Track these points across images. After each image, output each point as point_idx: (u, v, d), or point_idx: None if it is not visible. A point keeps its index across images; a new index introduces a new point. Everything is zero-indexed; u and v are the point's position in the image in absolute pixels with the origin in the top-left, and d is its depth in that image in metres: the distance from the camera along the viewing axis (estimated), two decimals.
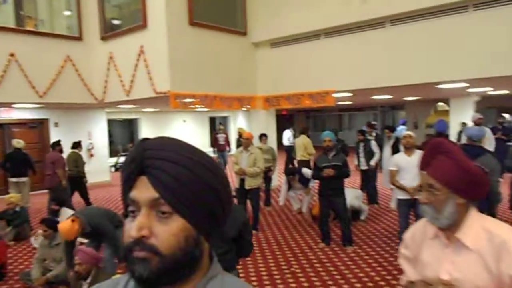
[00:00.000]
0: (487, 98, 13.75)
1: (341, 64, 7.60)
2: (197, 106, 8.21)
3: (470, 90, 9.47)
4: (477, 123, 7.65)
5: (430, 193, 1.53)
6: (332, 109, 21.18)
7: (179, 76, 7.44)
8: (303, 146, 8.92)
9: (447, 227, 1.54)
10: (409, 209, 4.89)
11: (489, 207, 4.18)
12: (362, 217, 7.05)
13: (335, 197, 5.53)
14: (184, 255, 0.70)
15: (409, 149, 4.92)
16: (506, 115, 8.51)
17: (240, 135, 10.41)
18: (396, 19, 6.72)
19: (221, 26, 8.32)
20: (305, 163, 8.70)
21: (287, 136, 13.65)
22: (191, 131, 18.90)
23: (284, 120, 20.25)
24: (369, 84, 7.37)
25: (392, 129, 8.36)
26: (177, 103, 7.48)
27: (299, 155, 9.02)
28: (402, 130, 11.19)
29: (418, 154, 4.83)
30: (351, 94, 9.44)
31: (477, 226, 1.51)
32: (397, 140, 7.64)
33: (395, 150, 7.30)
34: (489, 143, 7.34)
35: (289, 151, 12.27)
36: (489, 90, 10.45)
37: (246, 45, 8.93)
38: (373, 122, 10.27)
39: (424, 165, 1.60)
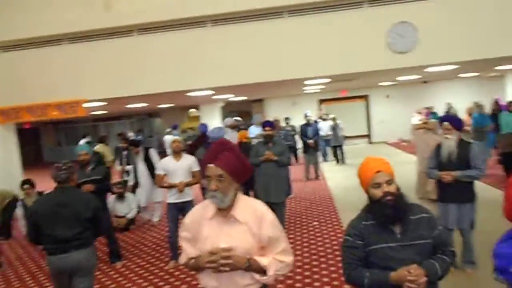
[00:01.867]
0: (230, 104, 15.66)
1: (92, 72, 7.15)
2: None
3: (215, 97, 10.54)
4: (232, 126, 8.51)
5: (218, 181, 1.90)
6: (85, 120, 19.84)
7: None
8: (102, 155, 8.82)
9: (226, 207, 1.94)
10: (178, 213, 5.01)
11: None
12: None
13: None
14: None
15: (177, 153, 5.06)
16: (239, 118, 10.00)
17: None
18: (144, 29, 6.79)
19: None
20: None
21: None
22: None
23: (30, 135, 17.67)
24: (121, 93, 7.20)
25: (137, 143, 7.76)
26: None
27: None
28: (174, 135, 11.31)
29: (186, 158, 5.07)
30: (105, 103, 9.04)
31: (245, 204, 1.99)
32: (147, 151, 7.54)
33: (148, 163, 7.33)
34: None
35: None
36: (231, 97, 11.92)
37: None
38: (130, 134, 10.08)
39: (212, 159, 1.93)
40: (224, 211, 1.95)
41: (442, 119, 4.43)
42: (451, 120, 4.27)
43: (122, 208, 7.12)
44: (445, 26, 5.56)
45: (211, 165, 1.92)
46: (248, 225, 1.93)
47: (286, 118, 12.76)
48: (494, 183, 7.92)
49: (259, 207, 2.02)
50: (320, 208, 7.47)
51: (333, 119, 12.74)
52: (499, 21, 5.50)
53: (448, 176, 4.01)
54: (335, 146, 12.78)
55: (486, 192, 7.28)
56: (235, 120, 8.82)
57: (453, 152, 4.04)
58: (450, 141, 4.10)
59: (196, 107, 14.48)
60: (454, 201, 4.04)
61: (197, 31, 6.45)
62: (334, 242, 5.54)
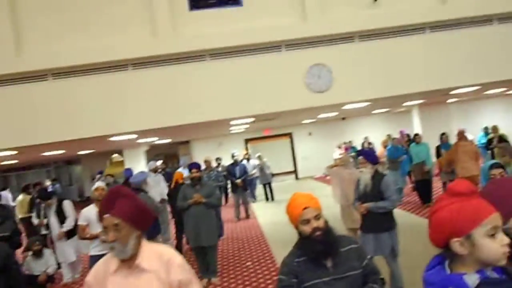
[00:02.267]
0: (155, 147, 15.27)
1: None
2: None
3: (139, 140, 10.25)
4: (155, 170, 8.27)
5: (116, 231, 1.81)
6: None
7: None
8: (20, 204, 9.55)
9: (130, 258, 1.84)
10: None
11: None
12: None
13: None
14: None
15: (99, 201, 4.78)
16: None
17: None
18: (60, 73, 6.47)
19: None
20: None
21: (7, 196, 13.16)
22: None
23: None
24: (34, 141, 6.69)
25: (48, 195, 7.07)
26: None
27: (22, 212, 9.30)
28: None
29: None
30: (15, 152, 8.33)
31: (150, 251, 1.90)
32: (60, 203, 6.92)
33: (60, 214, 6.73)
34: (158, 185, 8.07)
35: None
36: (156, 140, 11.67)
37: None
38: (47, 183, 9.44)
39: (107, 209, 1.84)
40: (128, 262, 1.85)
41: (358, 154, 4.72)
42: (365, 154, 4.57)
43: (39, 265, 6.44)
44: (357, 67, 6.02)
45: (106, 215, 1.84)
46: (156, 273, 1.85)
47: (217, 159, 12.76)
48: (412, 209, 8.49)
49: (166, 251, 1.96)
50: (253, 247, 7.40)
51: (259, 157, 12.97)
52: (404, 62, 6.09)
53: (361, 208, 4.24)
54: (264, 184, 12.94)
55: (405, 218, 7.77)
56: (156, 166, 8.56)
57: (368, 185, 4.30)
58: (365, 174, 4.36)
59: (120, 151, 13.93)
60: (371, 231, 4.24)
61: (118, 74, 6.31)
62: (269, 282, 5.48)
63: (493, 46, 6.10)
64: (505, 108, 16.75)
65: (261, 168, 12.72)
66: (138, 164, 12.46)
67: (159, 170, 9.02)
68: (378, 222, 4.18)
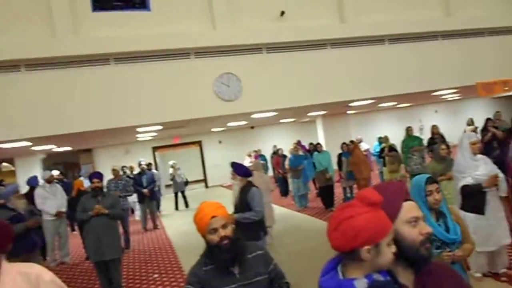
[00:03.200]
0: (52, 155, 14.08)
1: None
2: None
3: (34, 148, 9.36)
4: (49, 180, 7.60)
5: None
6: None
7: None
8: None
9: None
10: None
11: None
12: None
13: None
14: None
15: None
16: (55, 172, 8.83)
17: None
18: None
19: None
20: None
21: None
22: None
23: None
24: None
25: None
26: None
27: None
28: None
29: None
30: None
31: (12, 272, 1.74)
32: None
33: None
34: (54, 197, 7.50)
35: None
36: (54, 148, 10.76)
37: None
38: None
39: None
40: None
41: (232, 165, 4.86)
42: (234, 167, 4.75)
43: None
44: (265, 78, 6.21)
45: None
46: None
47: (123, 167, 12.13)
48: (316, 214, 8.94)
49: (32, 270, 1.83)
50: (160, 259, 7.16)
51: (173, 166, 12.73)
52: (308, 75, 6.43)
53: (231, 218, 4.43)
54: (176, 193, 12.70)
55: (310, 222, 8.17)
56: (50, 175, 7.86)
57: (238, 196, 4.53)
58: (236, 186, 4.60)
59: (10, 160, 12.58)
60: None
61: (10, 75, 5.72)
62: None
63: (386, 64, 6.74)
64: (396, 120, 18.60)
65: (173, 176, 12.51)
66: (32, 173, 11.36)
67: (55, 181, 8.32)
68: (248, 232, 4.28)
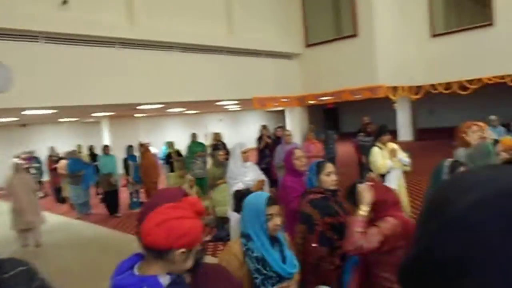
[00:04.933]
0: None
1: None
2: None
3: None
4: None
5: None
6: None
7: None
8: None
9: None
10: None
11: None
12: None
13: None
14: None
15: None
16: None
17: None
18: None
19: None
20: None
21: None
22: None
23: None
24: None
25: None
26: None
27: None
28: None
29: None
30: None
31: None
32: None
33: None
34: None
35: None
36: None
37: None
38: None
39: None
40: None
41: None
42: None
43: None
44: (40, 70, 5.47)
45: None
46: None
47: None
48: (98, 221, 8.40)
49: None
50: None
51: None
52: (92, 73, 5.99)
53: None
54: None
55: (92, 230, 7.64)
56: None
57: None
58: None
59: None
60: None
61: None
62: None
63: (175, 71, 6.91)
64: (184, 125, 19.31)
65: None
66: None
67: None
68: None
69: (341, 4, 8.95)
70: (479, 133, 3.84)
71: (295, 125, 10.18)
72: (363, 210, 2.22)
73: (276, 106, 8.89)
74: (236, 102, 10.57)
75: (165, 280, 1.30)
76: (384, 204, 2.28)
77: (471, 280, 0.49)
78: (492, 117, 7.13)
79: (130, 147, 9.46)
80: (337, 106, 22.21)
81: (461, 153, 3.68)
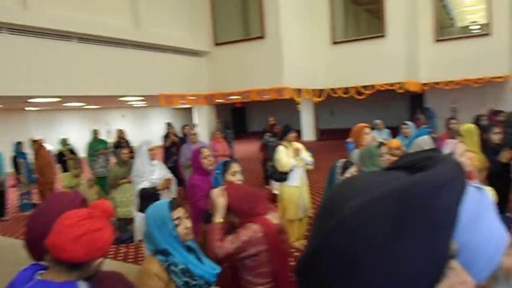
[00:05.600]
0: None
1: None
2: None
3: None
4: None
5: None
6: None
7: None
8: None
9: None
10: None
11: None
12: None
13: None
14: None
15: None
16: None
17: None
18: None
19: None
20: None
21: None
22: None
23: None
24: None
25: None
26: None
27: None
28: None
29: None
30: None
31: None
32: None
33: None
34: None
35: None
36: None
37: None
38: None
39: None
40: None
41: None
42: None
43: None
44: None
45: None
46: None
47: None
48: None
49: None
50: None
51: None
52: None
53: None
54: None
55: None
56: None
57: None
58: None
59: None
60: None
61: None
62: None
63: (73, 63, 6.38)
64: (83, 121, 17.98)
65: None
66: None
67: None
68: None
69: (250, 6, 9.11)
70: (371, 135, 4.26)
71: (203, 123, 10.11)
72: (217, 217, 2.10)
73: (183, 104, 8.73)
74: (141, 98, 10.18)
75: (83, 286, 1.31)
76: (239, 208, 2.14)
77: (358, 276, 0.55)
78: (377, 121, 7.70)
79: (19, 143, 8.58)
80: (245, 106, 22.60)
81: (355, 154, 4.02)
